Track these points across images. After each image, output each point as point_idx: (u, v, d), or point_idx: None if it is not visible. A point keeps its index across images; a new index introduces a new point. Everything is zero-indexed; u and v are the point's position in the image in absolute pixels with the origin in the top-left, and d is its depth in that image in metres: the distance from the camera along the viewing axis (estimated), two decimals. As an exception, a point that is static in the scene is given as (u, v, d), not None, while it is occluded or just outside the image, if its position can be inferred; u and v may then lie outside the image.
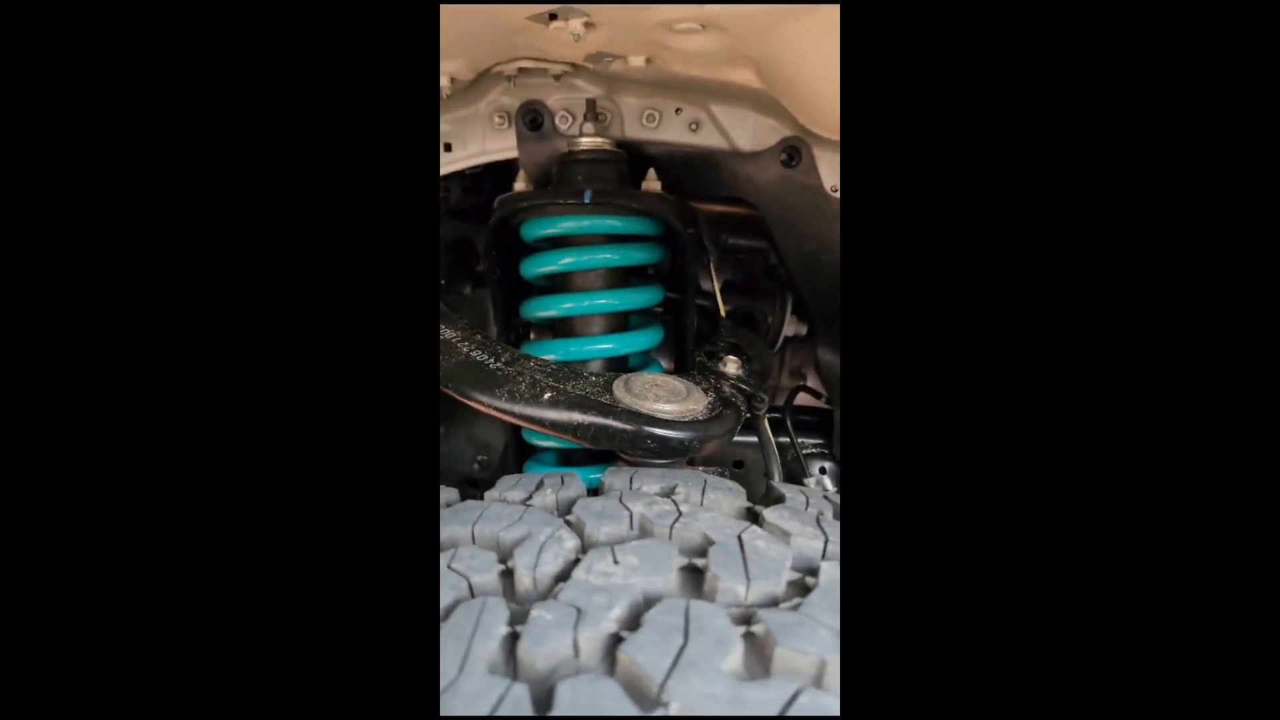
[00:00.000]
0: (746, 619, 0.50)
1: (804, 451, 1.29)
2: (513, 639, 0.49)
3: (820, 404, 1.37)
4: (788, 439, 1.27)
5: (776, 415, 1.28)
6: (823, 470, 1.30)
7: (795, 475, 1.26)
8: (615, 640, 0.48)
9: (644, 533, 0.62)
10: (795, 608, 0.52)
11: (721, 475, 0.82)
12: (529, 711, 0.43)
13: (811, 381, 1.45)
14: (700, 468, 1.10)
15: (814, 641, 0.47)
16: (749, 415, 1.04)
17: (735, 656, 0.47)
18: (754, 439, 1.22)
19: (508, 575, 0.58)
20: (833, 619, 0.50)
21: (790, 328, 1.33)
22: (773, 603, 0.53)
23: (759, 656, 0.48)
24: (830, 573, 0.56)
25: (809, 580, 0.56)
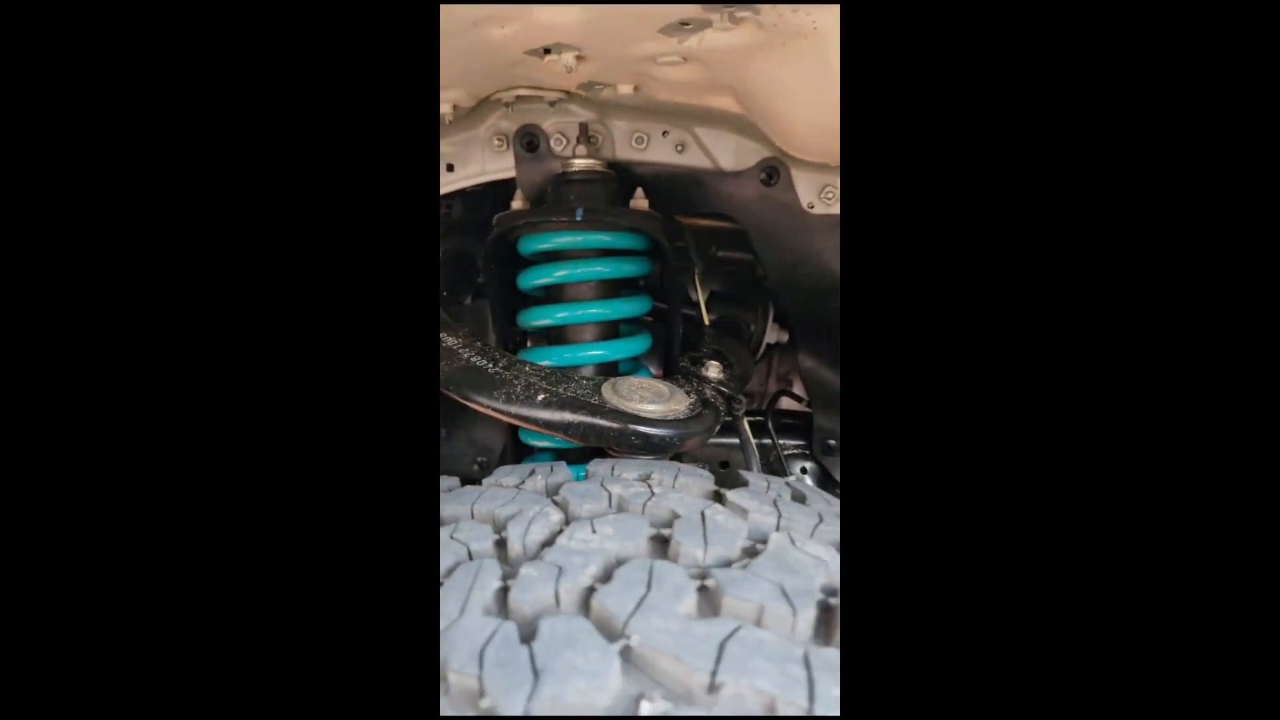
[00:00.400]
0: (702, 576, 0.61)
1: (785, 452, 1.39)
2: (504, 591, 0.60)
3: (801, 408, 1.48)
4: (770, 440, 1.38)
5: (760, 418, 1.38)
6: (803, 470, 1.40)
7: (776, 474, 1.36)
8: (590, 591, 0.59)
9: (620, 509, 0.73)
10: (744, 567, 0.62)
11: (700, 468, 0.93)
12: (517, 643, 0.53)
13: (796, 386, 1.56)
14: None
15: (755, 591, 0.58)
16: (729, 417, 1.15)
17: (689, 603, 0.57)
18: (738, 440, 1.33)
19: (501, 544, 0.68)
20: (774, 575, 0.61)
21: (772, 335, 1.44)
22: (726, 564, 0.64)
23: (710, 604, 0.59)
24: (778, 540, 0.67)
25: (759, 547, 0.66)
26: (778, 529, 0.71)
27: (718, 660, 0.51)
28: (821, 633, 0.57)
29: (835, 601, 0.59)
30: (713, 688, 0.49)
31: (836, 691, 0.49)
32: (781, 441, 1.39)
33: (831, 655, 0.53)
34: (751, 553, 0.66)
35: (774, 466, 1.37)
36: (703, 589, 0.59)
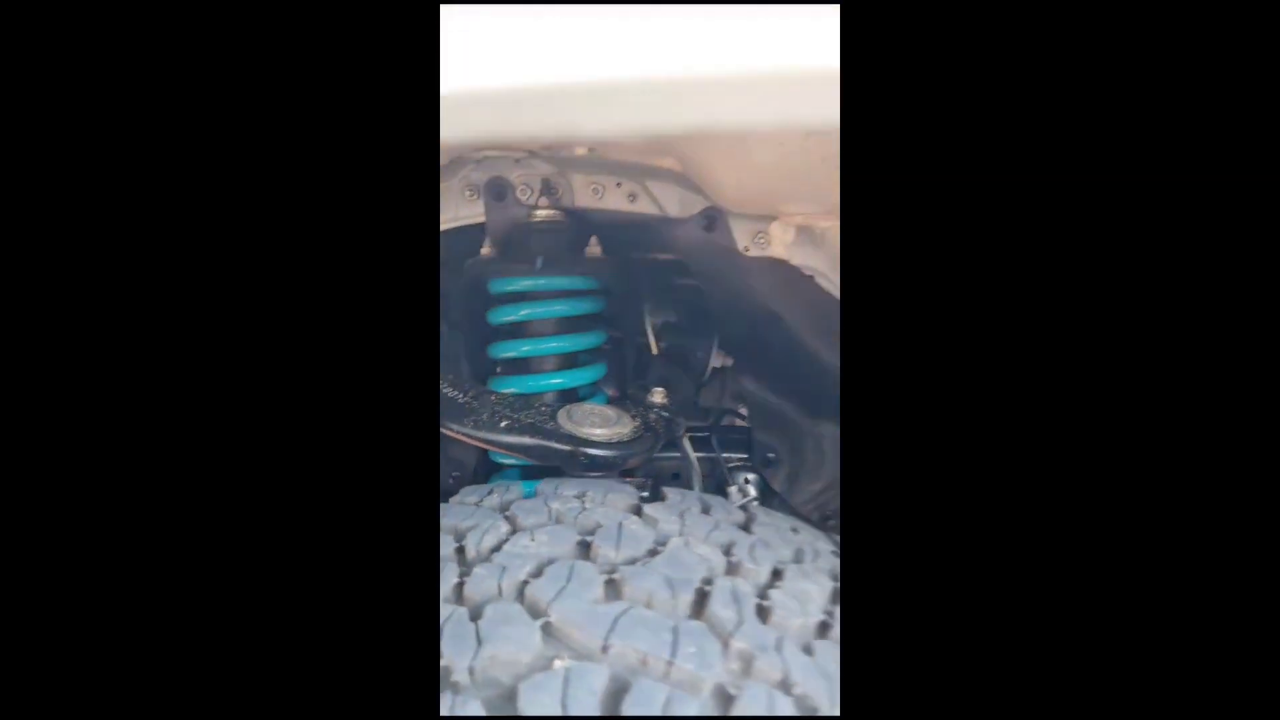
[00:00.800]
0: (612, 571, 0.83)
1: (729, 465, 1.62)
2: (461, 585, 0.82)
3: (743, 424, 1.71)
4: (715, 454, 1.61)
5: (704, 434, 1.61)
6: (747, 480, 1.63)
7: (721, 483, 1.59)
8: (524, 584, 0.81)
9: (558, 521, 0.96)
10: (645, 564, 0.85)
11: (643, 485, 1.15)
12: (467, 621, 0.76)
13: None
14: (629, 480, 1.43)
15: (648, 581, 0.81)
16: (672, 437, 1.37)
17: (598, 591, 0.80)
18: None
19: (460, 550, 0.91)
20: (666, 570, 0.83)
21: (718, 360, 1.67)
22: (632, 562, 0.87)
23: (615, 592, 0.81)
24: (675, 544, 0.89)
25: (660, 549, 0.89)
26: (679, 535, 0.94)
27: (610, 630, 0.73)
28: (695, 611, 0.80)
29: (710, 588, 0.81)
30: (605, 649, 0.72)
31: (693, 649, 0.72)
32: (725, 455, 1.62)
33: (696, 625, 0.75)
34: (653, 553, 0.88)
35: (719, 477, 1.60)
36: (610, 581, 0.82)
